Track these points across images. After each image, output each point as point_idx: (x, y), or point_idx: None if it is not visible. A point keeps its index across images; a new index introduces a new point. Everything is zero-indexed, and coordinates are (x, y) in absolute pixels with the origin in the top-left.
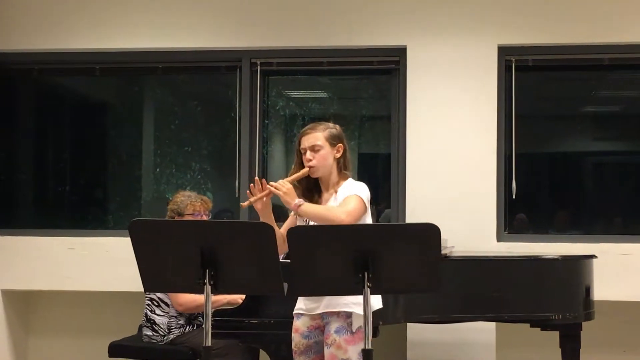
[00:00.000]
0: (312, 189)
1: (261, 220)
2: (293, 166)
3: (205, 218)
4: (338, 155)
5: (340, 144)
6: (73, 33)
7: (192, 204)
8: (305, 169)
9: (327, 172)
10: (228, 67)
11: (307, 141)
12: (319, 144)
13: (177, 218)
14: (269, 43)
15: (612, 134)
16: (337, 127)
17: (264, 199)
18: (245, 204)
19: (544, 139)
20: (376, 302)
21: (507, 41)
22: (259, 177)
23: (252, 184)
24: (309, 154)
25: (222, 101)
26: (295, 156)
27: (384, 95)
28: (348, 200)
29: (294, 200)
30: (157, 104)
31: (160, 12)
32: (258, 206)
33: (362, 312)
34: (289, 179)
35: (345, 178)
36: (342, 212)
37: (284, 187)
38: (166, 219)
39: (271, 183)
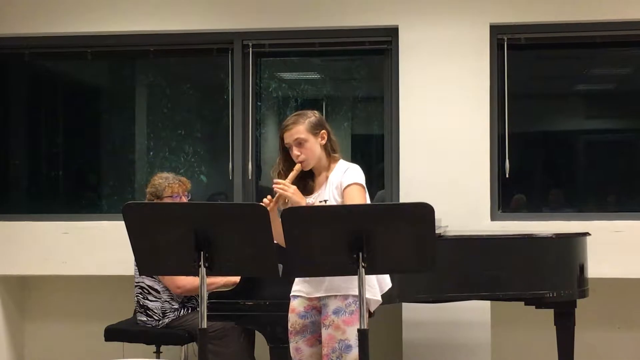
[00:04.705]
0: (304, 176)
1: None
2: (277, 161)
3: (184, 199)
4: (323, 142)
5: (322, 130)
6: (64, 17)
7: (169, 186)
8: (298, 165)
9: (318, 160)
10: (220, 49)
11: (289, 137)
12: (302, 137)
13: (155, 201)
14: (260, 25)
15: (605, 112)
16: (316, 113)
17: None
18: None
19: (536, 117)
20: (387, 282)
21: (499, 20)
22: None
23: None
24: (295, 150)
25: (215, 84)
26: (279, 152)
27: (376, 76)
28: (350, 193)
29: (303, 200)
30: (149, 87)
31: None
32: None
33: (377, 297)
34: (288, 180)
35: (336, 160)
36: None
37: (289, 188)
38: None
39: (275, 186)
